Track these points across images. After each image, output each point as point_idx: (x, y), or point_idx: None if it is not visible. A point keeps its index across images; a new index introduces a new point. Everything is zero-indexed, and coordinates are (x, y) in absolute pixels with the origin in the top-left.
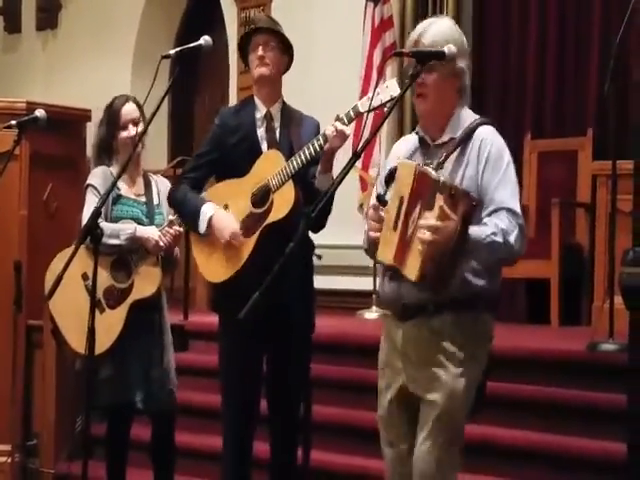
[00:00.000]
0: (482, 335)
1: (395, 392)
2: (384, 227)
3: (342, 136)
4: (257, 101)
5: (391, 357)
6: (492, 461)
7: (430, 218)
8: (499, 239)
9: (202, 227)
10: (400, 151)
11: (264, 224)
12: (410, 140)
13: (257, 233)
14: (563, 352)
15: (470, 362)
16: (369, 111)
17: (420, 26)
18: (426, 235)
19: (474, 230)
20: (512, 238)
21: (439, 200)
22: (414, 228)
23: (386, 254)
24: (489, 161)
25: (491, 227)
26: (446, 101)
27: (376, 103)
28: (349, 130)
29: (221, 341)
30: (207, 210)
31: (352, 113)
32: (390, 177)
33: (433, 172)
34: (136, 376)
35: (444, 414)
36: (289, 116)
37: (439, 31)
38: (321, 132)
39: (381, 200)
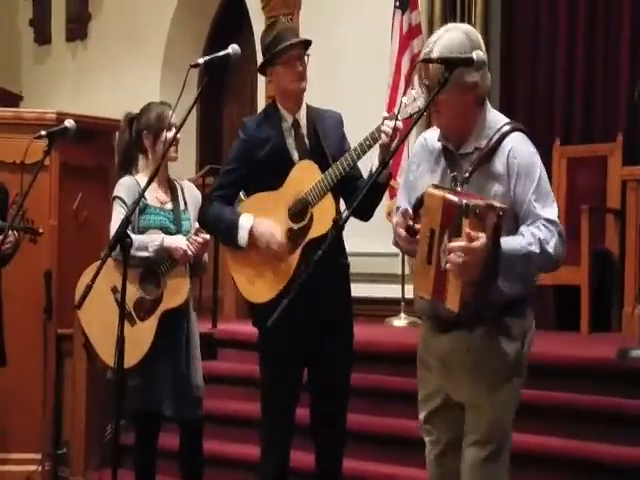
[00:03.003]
0: (524, 335)
1: (439, 398)
2: (418, 260)
3: (393, 134)
4: (282, 110)
5: (432, 362)
6: (521, 468)
7: (458, 241)
8: (536, 249)
9: (243, 239)
10: (422, 155)
11: (306, 240)
12: (433, 143)
13: (299, 249)
14: (593, 359)
15: (514, 366)
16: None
17: (434, 36)
18: (456, 258)
19: (508, 243)
20: (550, 246)
21: (465, 224)
22: (446, 259)
23: (424, 290)
24: (520, 174)
25: (527, 237)
26: (462, 115)
27: (403, 116)
28: (400, 123)
29: (261, 352)
30: (246, 220)
31: (370, 139)
32: (418, 205)
33: (456, 198)
34: (164, 384)
35: (492, 421)
36: (314, 118)
37: (448, 43)
38: (350, 146)
39: (412, 231)
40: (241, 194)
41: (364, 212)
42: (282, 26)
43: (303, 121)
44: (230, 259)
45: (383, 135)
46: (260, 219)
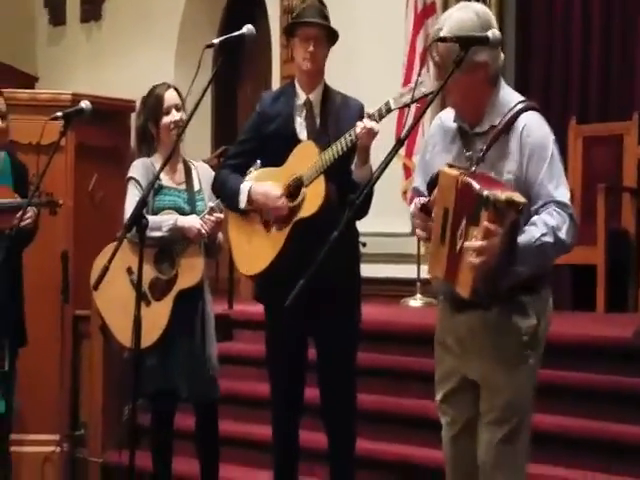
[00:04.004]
0: (540, 313)
1: (456, 379)
2: (432, 239)
3: (371, 133)
4: (297, 87)
5: (448, 341)
6: (538, 448)
7: (477, 235)
8: (549, 239)
9: (242, 202)
10: (438, 136)
11: (294, 219)
12: (449, 123)
13: (289, 227)
14: (609, 339)
15: (530, 343)
16: (401, 107)
17: (444, 15)
18: (474, 258)
19: (523, 237)
20: (563, 233)
21: (484, 216)
22: (462, 243)
23: (437, 270)
24: (533, 153)
25: (540, 227)
26: (474, 95)
27: (418, 95)
28: (378, 127)
29: (266, 329)
30: (245, 185)
31: (383, 110)
32: (432, 183)
33: (476, 184)
34: (179, 365)
35: (508, 401)
36: (331, 101)
37: (458, 22)
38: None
39: (426, 209)
40: (252, 167)
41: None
42: (313, 2)
43: (317, 101)
44: (230, 229)
45: (363, 133)
46: (260, 183)
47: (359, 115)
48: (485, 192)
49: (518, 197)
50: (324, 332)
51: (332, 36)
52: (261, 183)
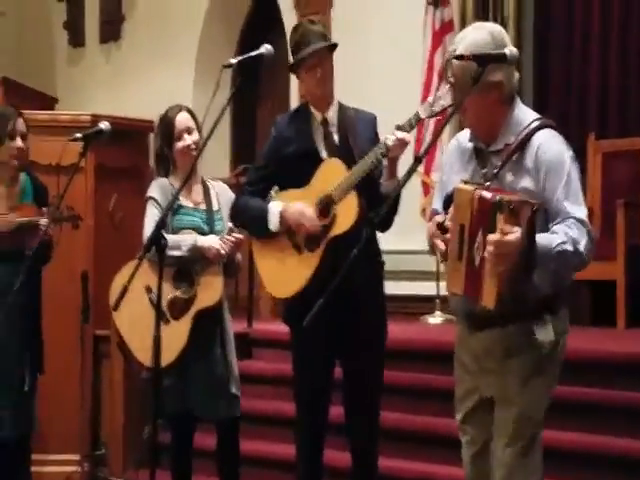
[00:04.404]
0: (559, 332)
1: (475, 397)
2: (449, 256)
3: (403, 144)
4: (312, 108)
5: (467, 361)
6: (555, 465)
7: (493, 236)
8: (569, 247)
9: (274, 223)
10: (454, 156)
11: (328, 237)
12: (465, 144)
13: (322, 246)
14: (629, 355)
15: (547, 364)
16: (431, 117)
17: (458, 36)
18: (491, 250)
19: (542, 239)
20: (582, 246)
21: (500, 221)
22: (481, 255)
23: (456, 286)
24: (549, 170)
25: (561, 235)
26: (488, 114)
27: (437, 108)
28: (409, 137)
29: (293, 350)
30: (275, 205)
31: (413, 120)
32: (448, 202)
33: (489, 194)
34: (198, 384)
35: (522, 416)
36: (345, 117)
37: (472, 42)
38: (381, 140)
39: (442, 227)
40: (272, 191)
41: (383, 224)
42: (302, 32)
43: (333, 119)
44: (256, 254)
45: (395, 145)
46: (291, 204)
47: (374, 126)
48: (498, 197)
49: (531, 199)
50: (351, 352)
51: (332, 48)
52: (292, 203)
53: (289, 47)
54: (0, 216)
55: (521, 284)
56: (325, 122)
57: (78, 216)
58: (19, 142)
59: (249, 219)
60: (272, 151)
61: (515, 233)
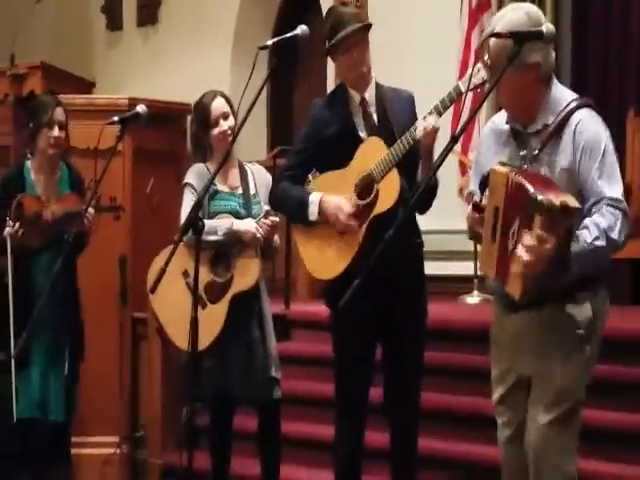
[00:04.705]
0: (597, 309)
1: (511, 379)
2: (483, 238)
3: (432, 133)
4: (350, 89)
5: (503, 341)
6: (594, 444)
7: (529, 239)
8: (602, 243)
9: (313, 214)
10: (491, 138)
11: (371, 216)
12: (501, 126)
13: (365, 226)
14: None
15: (586, 343)
16: (469, 90)
17: (495, 17)
18: (524, 256)
19: (575, 244)
20: (615, 233)
21: (537, 222)
22: (514, 244)
23: (488, 269)
24: (586, 150)
25: (592, 231)
26: (523, 94)
27: (478, 80)
28: (438, 123)
29: (334, 331)
30: (315, 196)
31: (454, 93)
32: (484, 184)
33: (530, 186)
34: (238, 366)
35: (560, 389)
36: (383, 97)
37: (508, 22)
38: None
39: (478, 208)
40: (310, 175)
41: (422, 206)
42: (336, 15)
43: (371, 99)
44: (297, 237)
45: (421, 133)
46: (328, 195)
47: (412, 104)
48: (539, 197)
49: (573, 202)
50: (391, 333)
51: (366, 28)
52: (331, 196)
53: (325, 32)
54: (44, 205)
55: (549, 283)
56: (363, 102)
57: (120, 207)
58: (56, 131)
59: (289, 209)
60: (311, 134)
61: (549, 244)
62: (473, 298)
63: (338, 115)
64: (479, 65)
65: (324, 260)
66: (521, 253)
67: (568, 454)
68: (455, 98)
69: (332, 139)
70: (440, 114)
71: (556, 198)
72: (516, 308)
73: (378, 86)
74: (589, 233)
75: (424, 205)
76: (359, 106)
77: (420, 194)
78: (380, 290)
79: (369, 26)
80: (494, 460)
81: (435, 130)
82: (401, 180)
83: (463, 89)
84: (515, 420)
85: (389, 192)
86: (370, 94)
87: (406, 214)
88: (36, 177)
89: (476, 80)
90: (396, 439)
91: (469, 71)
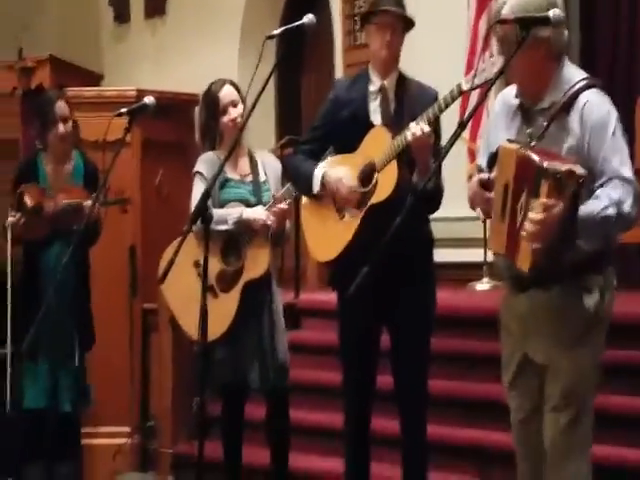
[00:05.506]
0: (604, 290)
1: (519, 361)
2: (493, 215)
3: (423, 139)
4: (372, 74)
5: (511, 323)
6: (605, 428)
7: (536, 207)
8: (612, 212)
9: (316, 186)
10: (500, 112)
11: (368, 205)
12: (510, 100)
13: (362, 213)
14: None
15: (593, 321)
16: (473, 89)
17: None
18: (531, 227)
19: (585, 208)
20: (627, 206)
21: (544, 187)
22: (522, 217)
23: (498, 245)
24: (594, 129)
25: (604, 200)
26: (534, 70)
27: (480, 81)
28: (427, 128)
29: (339, 316)
30: (319, 170)
31: (456, 92)
32: (492, 160)
33: (536, 156)
34: (249, 355)
35: (570, 383)
36: (405, 88)
37: (517, 2)
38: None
39: (485, 185)
40: (327, 152)
41: (427, 209)
42: None
43: (391, 87)
44: (303, 220)
45: (410, 137)
46: (334, 169)
47: (434, 101)
48: (545, 163)
49: (579, 169)
50: (399, 319)
51: (408, 24)
52: (335, 169)
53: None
54: (47, 197)
55: (559, 255)
56: (383, 89)
57: (126, 199)
58: (61, 128)
59: (297, 179)
60: (327, 113)
61: (556, 209)
62: (483, 285)
63: (355, 99)
64: (484, 64)
65: (323, 242)
66: (530, 224)
67: (584, 452)
68: (456, 96)
69: (345, 121)
70: (437, 119)
71: (562, 164)
72: (524, 287)
73: (402, 76)
74: (599, 202)
75: (430, 207)
76: (378, 93)
77: (427, 182)
78: (388, 276)
79: (411, 24)
80: (506, 446)
81: (427, 135)
82: (403, 171)
83: (465, 87)
84: (525, 404)
85: (387, 183)
86: (391, 82)
87: (414, 200)
88: (49, 168)
89: (479, 81)
90: (405, 426)
91: (472, 72)
